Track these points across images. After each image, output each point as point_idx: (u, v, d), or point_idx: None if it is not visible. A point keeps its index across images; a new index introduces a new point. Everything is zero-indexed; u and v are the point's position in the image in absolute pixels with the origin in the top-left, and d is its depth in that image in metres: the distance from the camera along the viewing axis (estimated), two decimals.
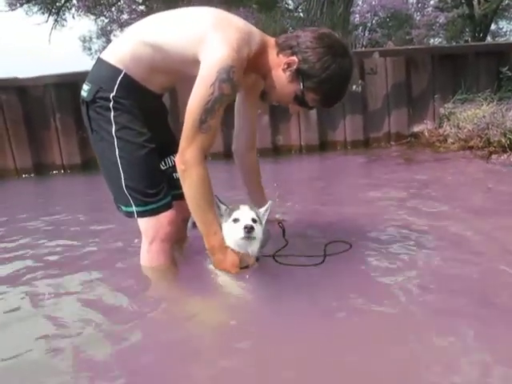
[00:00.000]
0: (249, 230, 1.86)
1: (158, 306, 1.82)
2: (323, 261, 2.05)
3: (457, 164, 4.44)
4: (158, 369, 1.42)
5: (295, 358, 1.42)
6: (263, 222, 2.03)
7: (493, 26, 20.38)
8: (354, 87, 5.86)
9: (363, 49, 18.30)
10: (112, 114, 1.84)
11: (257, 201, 2.25)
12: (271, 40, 1.89)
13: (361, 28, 21.92)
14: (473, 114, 5.67)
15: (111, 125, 1.85)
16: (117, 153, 1.86)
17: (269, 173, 5.33)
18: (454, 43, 21.65)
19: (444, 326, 1.54)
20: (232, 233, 1.92)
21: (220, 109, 1.73)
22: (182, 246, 2.34)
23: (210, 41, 1.70)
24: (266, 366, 1.40)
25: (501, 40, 22.83)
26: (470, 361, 1.34)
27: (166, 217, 1.94)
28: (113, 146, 1.86)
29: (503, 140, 4.92)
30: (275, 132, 5.85)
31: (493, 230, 2.39)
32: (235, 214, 1.95)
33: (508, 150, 4.87)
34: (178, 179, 2.11)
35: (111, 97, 1.83)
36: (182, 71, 1.90)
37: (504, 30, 22.33)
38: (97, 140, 1.93)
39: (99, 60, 1.91)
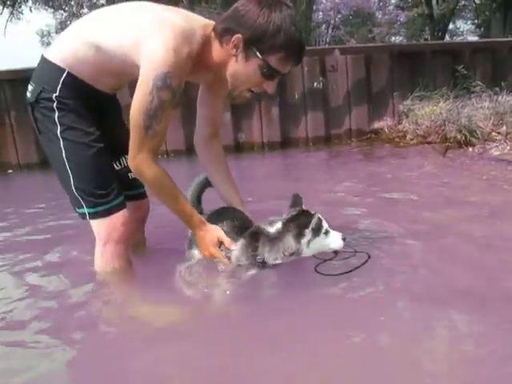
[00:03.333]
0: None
1: (113, 311, 1.78)
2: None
3: (414, 159, 4.55)
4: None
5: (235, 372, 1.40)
6: None
7: (451, 26, 21.03)
8: (315, 84, 5.91)
9: (326, 46, 18.49)
10: (56, 114, 1.78)
11: (227, 193, 2.12)
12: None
13: (324, 25, 22.14)
14: (430, 110, 5.82)
15: (56, 126, 1.78)
16: (63, 154, 1.80)
17: (231, 169, 5.34)
18: (415, 41, 22.22)
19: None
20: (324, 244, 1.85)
21: (164, 113, 1.67)
22: (141, 247, 2.30)
23: (145, 46, 1.64)
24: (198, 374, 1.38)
25: (458, 39, 23.59)
26: None
27: (118, 218, 1.89)
28: (59, 147, 1.80)
29: (458, 136, 5.07)
30: (237, 129, 5.83)
31: (450, 221, 2.49)
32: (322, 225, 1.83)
33: (463, 145, 5.03)
34: (134, 179, 2.07)
35: (54, 97, 1.77)
36: (127, 73, 1.84)
37: (461, 29, 23.06)
38: (44, 141, 1.86)
39: (42, 59, 1.84)
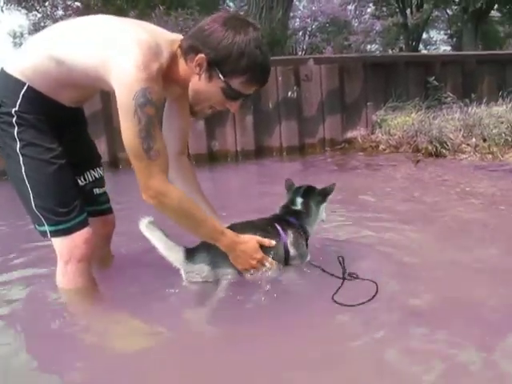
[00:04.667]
0: None
1: (74, 332, 1.71)
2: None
3: (386, 171, 4.58)
4: None
5: None
6: None
7: (424, 35, 21.44)
8: (290, 93, 5.92)
9: (302, 54, 18.67)
10: (16, 130, 1.71)
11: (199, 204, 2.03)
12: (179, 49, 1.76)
13: (301, 32, 22.32)
14: (403, 121, 5.91)
15: (15, 142, 1.71)
16: (23, 171, 1.73)
17: (205, 180, 5.29)
18: (390, 50, 22.62)
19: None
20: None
21: (156, 130, 1.61)
22: (107, 263, 2.23)
23: (113, 64, 1.59)
24: None
25: (432, 48, 24.10)
26: None
27: (80, 236, 1.82)
28: (19, 163, 1.73)
29: (430, 147, 5.15)
30: (211, 137, 5.78)
31: (416, 236, 2.50)
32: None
33: (434, 156, 5.10)
34: (100, 194, 2.00)
35: (13, 112, 1.69)
36: (90, 86, 1.79)
37: (434, 38, 23.57)
38: (4, 157, 1.79)
39: (1, 72, 1.77)
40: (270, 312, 1.76)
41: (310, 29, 22.21)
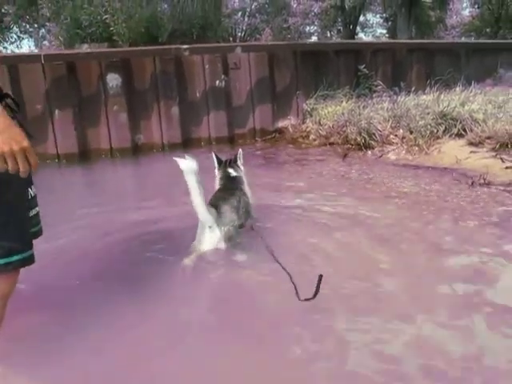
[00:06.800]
0: None
1: None
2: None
3: (314, 166, 4.46)
4: None
5: None
6: None
7: (361, 18, 21.59)
8: (218, 82, 5.67)
9: (242, 35, 18.36)
10: None
11: None
12: None
13: (240, 13, 21.86)
14: (333, 110, 5.81)
15: None
16: None
17: (129, 175, 4.99)
18: (328, 33, 22.71)
19: None
20: None
21: None
22: None
23: None
24: None
25: (369, 31, 24.44)
26: None
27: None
28: None
29: (359, 138, 5.08)
30: (135, 130, 5.45)
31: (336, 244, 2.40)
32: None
33: (363, 147, 5.05)
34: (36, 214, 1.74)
35: None
36: None
37: (371, 21, 23.85)
38: None
39: None
40: None
41: (249, 9, 21.79)
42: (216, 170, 2.83)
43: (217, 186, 2.73)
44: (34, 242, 1.62)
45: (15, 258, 1.51)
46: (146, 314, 1.85)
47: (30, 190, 1.70)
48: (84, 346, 1.65)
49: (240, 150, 2.90)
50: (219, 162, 2.83)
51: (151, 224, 2.86)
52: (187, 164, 2.03)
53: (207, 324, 1.82)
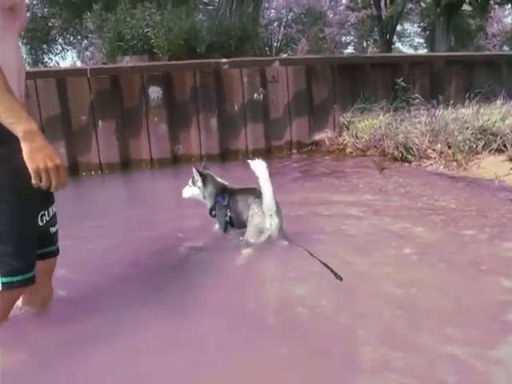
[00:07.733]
0: None
1: None
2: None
3: (351, 178, 4.48)
4: None
5: None
6: None
7: (398, 28, 21.40)
8: (256, 95, 5.77)
9: (277, 45, 18.51)
10: None
11: None
12: None
13: (276, 23, 22.05)
14: (370, 124, 5.82)
15: None
16: None
17: (169, 183, 5.13)
18: (365, 42, 22.59)
19: None
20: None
21: None
22: (47, 304, 2.05)
23: None
24: None
25: (406, 41, 24.17)
26: None
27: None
28: None
29: (396, 152, 5.08)
30: (175, 141, 5.61)
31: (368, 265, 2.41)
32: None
33: (400, 161, 5.04)
34: (55, 232, 1.84)
35: None
36: None
37: (408, 31, 23.60)
38: None
39: None
40: None
41: (285, 19, 21.96)
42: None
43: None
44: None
45: (17, 278, 1.59)
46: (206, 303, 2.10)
47: (51, 208, 1.78)
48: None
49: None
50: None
51: (191, 231, 3.10)
52: (259, 163, 2.50)
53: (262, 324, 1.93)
